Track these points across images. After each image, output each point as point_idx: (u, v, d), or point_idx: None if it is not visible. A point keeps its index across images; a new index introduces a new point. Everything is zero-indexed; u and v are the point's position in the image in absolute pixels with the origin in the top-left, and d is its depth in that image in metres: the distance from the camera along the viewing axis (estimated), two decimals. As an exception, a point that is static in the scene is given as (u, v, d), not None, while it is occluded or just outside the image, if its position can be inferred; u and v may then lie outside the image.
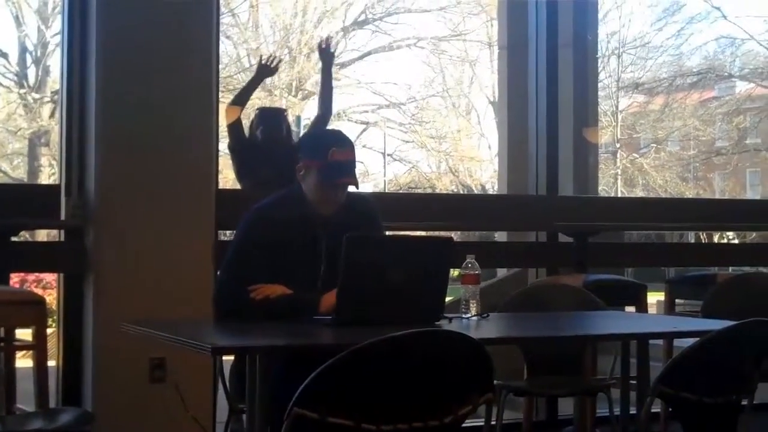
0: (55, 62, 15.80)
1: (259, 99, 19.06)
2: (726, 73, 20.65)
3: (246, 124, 5.40)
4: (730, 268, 7.47)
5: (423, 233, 5.87)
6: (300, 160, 3.54)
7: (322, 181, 3.44)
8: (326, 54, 5.51)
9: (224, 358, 3.84)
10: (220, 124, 5.10)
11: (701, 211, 6.85)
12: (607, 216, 6.21)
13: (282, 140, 5.36)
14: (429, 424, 2.45)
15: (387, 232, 3.90)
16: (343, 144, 3.50)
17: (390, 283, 3.13)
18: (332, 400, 2.37)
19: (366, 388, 2.40)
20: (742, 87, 20.91)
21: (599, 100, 15.36)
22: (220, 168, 5.13)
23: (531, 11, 6.30)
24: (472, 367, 2.53)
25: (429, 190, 20.47)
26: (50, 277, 8.91)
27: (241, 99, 5.38)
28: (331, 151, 3.43)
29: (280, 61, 5.51)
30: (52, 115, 15.39)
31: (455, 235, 9.13)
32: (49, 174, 15.39)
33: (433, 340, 2.50)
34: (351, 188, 3.53)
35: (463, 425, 2.60)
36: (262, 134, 5.36)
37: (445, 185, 20.98)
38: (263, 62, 5.50)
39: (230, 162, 5.48)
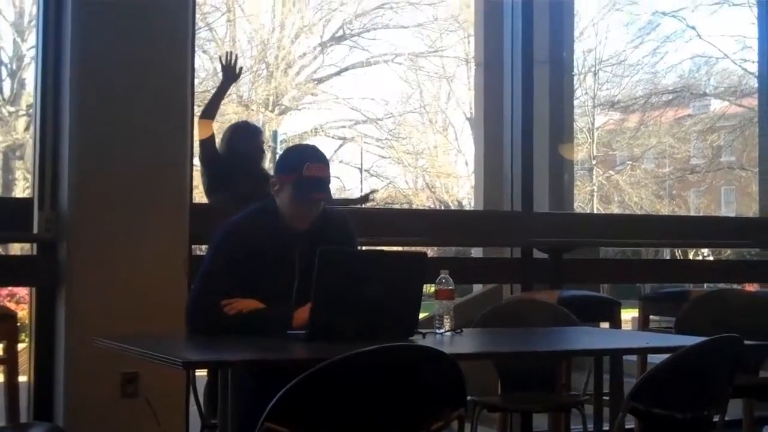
0: (31, 75, 15.72)
1: (236, 114, 19.09)
2: (701, 92, 20.82)
3: (220, 137, 5.39)
4: (705, 285, 7.52)
5: (399, 248, 5.86)
6: (275, 175, 3.54)
7: (296, 196, 3.44)
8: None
9: (198, 373, 3.82)
10: (195, 138, 5.08)
11: (676, 228, 6.89)
12: (582, 232, 6.24)
13: (257, 155, 5.36)
14: (400, 439, 2.44)
15: (362, 247, 3.90)
16: (318, 160, 3.50)
17: (363, 297, 3.12)
18: (303, 415, 2.36)
19: (337, 403, 2.39)
20: (716, 105, 21.09)
21: (575, 117, 15.44)
22: (195, 183, 5.10)
23: (507, 28, 6.33)
24: (445, 382, 2.52)
25: (406, 206, 20.50)
26: (23, 292, 8.84)
27: (209, 111, 5.36)
28: (305, 166, 3.44)
29: (236, 59, 5.47)
30: (27, 129, 15.32)
31: (431, 251, 9.15)
32: (24, 187, 15.31)
33: (405, 355, 2.50)
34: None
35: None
36: (237, 149, 5.36)
37: (422, 201, 21.02)
38: (225, 64, 5.47)
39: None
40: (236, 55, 5.55)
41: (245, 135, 5.44)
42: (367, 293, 3.12)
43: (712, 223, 8.33)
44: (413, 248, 6.03)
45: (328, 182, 3.52)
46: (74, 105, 4.55)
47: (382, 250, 4.94)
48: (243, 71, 5.52)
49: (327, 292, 3.09)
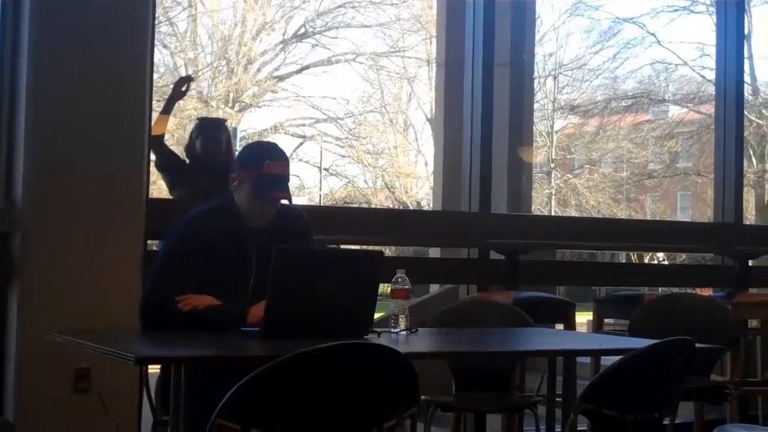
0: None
1: (195, 110, 19.00)
2: (660, 98, 21.03)
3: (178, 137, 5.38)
4: (660, 289, 7.59)
5: (356, 247, 5.87)
6: (234, 171, 3.52)
7: (255, 193, 3.43)
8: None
9: (150, 369, 3.79)
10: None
11: (633, 232, 6.95)
12: (539, 234, 6.27)
13: (220, 151, 5.34)
14: (353, 437, 2.44)
15: (319, 245, 3.89)
16: (278, 157, 3.49)
17: (319, 296, 3.12)
18: (256, 412, 2.35)
19: (290, 400, 2.38)
20: (675, 111, 21.32)
21: (535, 120, 15.53)
22: (152, 178, 5.07)
23: (468, 29, 6.35)
24: (398, 380, 2.52)
25: (365, 206, 20.52)
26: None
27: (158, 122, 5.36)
28: (266, 163, 3.42)
29: (190, 86, 5.54)
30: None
31: (389, 251, 9.16)
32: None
33: (359, 353, 2.50)
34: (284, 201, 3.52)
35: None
36: (201, 145, 5.35)
37: (381, 201, 21.05)
38: (177, 83, 5.55)
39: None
40: (192, 80, 5.58)
41: (208, 131, 5.44)
42: (323, 291, 3.12)
43: (668, 228, 8.42)
44: (371, 247, 6.03)
45: (288, 180, 3.50)
46: (30, 97, 4.50)
47: (338, 248, 4.95)
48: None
49: (282, 289, 3.07)
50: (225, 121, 6.06)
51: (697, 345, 3.05)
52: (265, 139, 18.26)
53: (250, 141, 17.73)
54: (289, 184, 3.50)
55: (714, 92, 7.94)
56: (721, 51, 7.36)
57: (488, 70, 6.22)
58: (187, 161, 5.47)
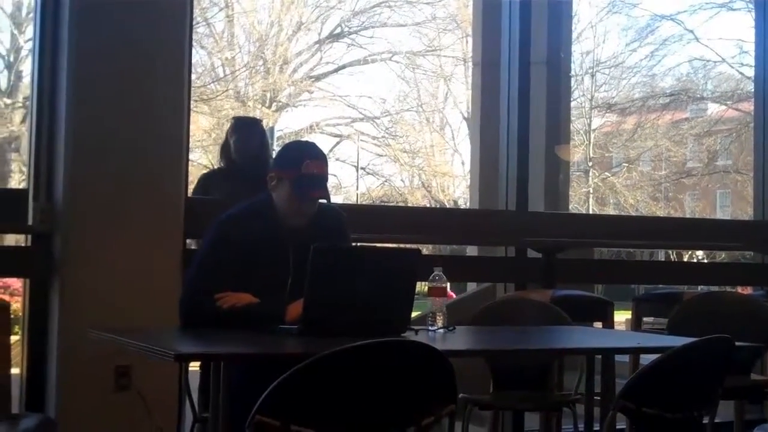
0: (28, 68, 15.72)
1: (232, 109, 19.09)
2: (698, 95, 20.85)
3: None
4: (699, 287, 7.53)
5: (393, 245, 5.88)
6: (272, 170, 3.54)
7: (293, 193, 3.44)
8: None
9: (192, 368, 3.82)
10: (191, 132, 5.08)
11: (671, 230, 6.90)
12: (576, 232, 6.24)
13: (255, 151, 5.36)
14: (391, 434, 2.45)
15: (356, 244, 3.90)
16: (317, 157, 3.50)
17: (356, 293, 3.12)
18: (294, 408, 2.37)
19: (328, 396, 2.39)
20: (713, 109, 21.12)
21: (572, 118, 15.47)
22: (190, 178, 5.12)
23: (505, 27, 6.33)
24: (435, 378, 2.53)
25: (401, 205, 20.51)
26: (17, 284, 8.84)
27: None
28: (304, 163, 3.43)
29: None
30: (23, 121, 15.30)
31: (426, 249, 9.16)
32: (20, 180, 15.29)
33: (397, 351, 2.51)
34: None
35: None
36: (235, 145, 5.37)
37: (418, 200, 21.04)
38: None
39: (200, 170, 5.50)
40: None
41: (242, 131, 5.47)
42: (360, 289, 3.12)
43: (707, 226, 8.35)
44: (408, 245, 6.04)
45: (326, 180, 3.51)
46: (70, 97, 4.56)
47: (376, 247, 4.95)
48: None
49: (320, 287, 3.09)
50: (260, 120, 6.07)
51: (737, 343, 3.02)
52: (302, 139, 18.34)
53: (286, 141, 17.80)
54: (327, 183, 3.51)
55: (753, 89, 7.88)
56: (760, 47, 7.29)
57: (525, 69, 6.21)
58: (222, 164, 5.52)
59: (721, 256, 15.35)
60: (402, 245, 5.51)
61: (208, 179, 5.65)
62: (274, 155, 4.53)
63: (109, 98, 4.60)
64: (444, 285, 3.51)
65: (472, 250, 7.19)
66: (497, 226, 6.08)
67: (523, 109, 6.20)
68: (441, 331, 3.42)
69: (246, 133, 5.44)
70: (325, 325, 3.07)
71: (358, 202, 19.28)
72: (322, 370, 2.36)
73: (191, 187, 5.47)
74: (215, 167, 5.55)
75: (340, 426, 2.40)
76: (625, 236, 6.43)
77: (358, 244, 4.02)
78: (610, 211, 20.24)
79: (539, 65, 7.03)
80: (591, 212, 19.64)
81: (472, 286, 7.50)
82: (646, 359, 5.61)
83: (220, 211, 3.67)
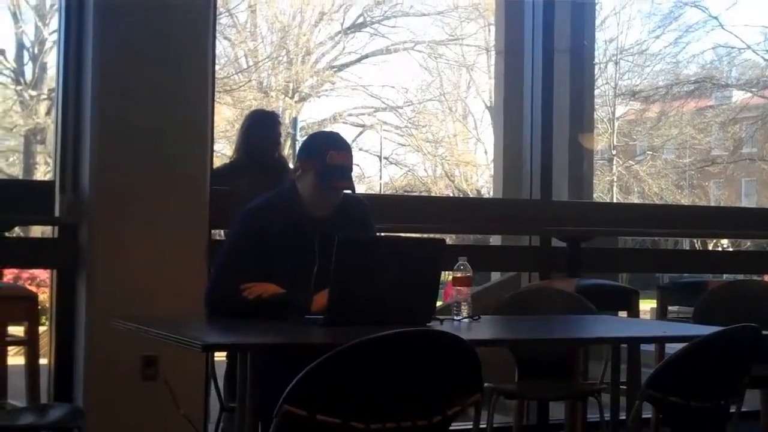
0: (53, 60, 15.79)
1: (255, 100, 19.11)
2: (723, 83, 20.69)
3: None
4: (724, 276, 7.49)
5: (417, 235, 5.88)
6: (297, 160, 3.55)
7: (318, 183, 3.45)
8: None
9: (217, 358, 3.85)
10: (216, 123, 5.09)
11: (696, 218, 6.86)
12: (600, 221, 6.23)
13: (273, 143, 5.33)
14: (417, 423, 2.45)
15: (380, 234, 3.91)
16: (342, 147, 3.51)
17: (381, 284, 3.13)
18: (321, 398, 2.38)
19: (355, 386, 2.40)
20: (738, 96, 20.97)
21: (596, 106, 15.39)
22: (214, 167, 5.12)
23: (528, 16, 6.31)
24: (461, 367, 2.53)
25: (424, 194, 20.49)
26: (44, 275, 8.91)
27: None
28: (329, 154, 3.44)
29: None
30: (48, 113, 15.39)
31: (449, 239, 9.16)
32: (45, 171, 15.38)
33: (422, 340, 2.51)
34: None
35: (453, 428, 2.61)
36: (251, 138, 5.36)
37: (441, 189, 21.00)
38: None
39: (223, 161, 5.50)
40: None
41: (262, 124, 5.44)
42: (385, 279, 3.13)
43: (734, 214, 8.29)
44: (431, 236, 6.04)
45: (351, 170, 3.52)
46: (96, 89, 4.58)
47: (401, 237, 4.96)
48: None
49: (345, 278, 3.10)
50: (277, 114, 6.02)
51: (764, 332, 3.01)
52: (325, 129, 18.35)
53: (310, 131, 17.82)
54: (352, 173, 3.52)
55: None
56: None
57: (548, 57, 6.19)
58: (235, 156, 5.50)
59: (747, 244, 15.28)
60: (426, 235, 5.52)
61: (215, 177, 5.61)
62: (297, 146, 4.53)
63: (134, 90, 4.62)
64: (469, 275, 3.51)
65: (495, 240, 7.18)
66: (522, 216, 6.07)
67: (547, 98, 6.18)
68: (466, 320, 3.42)
69: (262, 126, 5.42)
70: (351, 315, 3.08)
71: (382, 192, 19.27)
72: (349, 361, 2.37)
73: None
74: (225, 162, 5.51)
75: (366, 416, 2.40)
76: (650, 225, 6.40)
77: (382, 234, 4.02)
78: (635, 199, 20.14)
79: (563, 53, 6.98)
80: (615, 201, 19.53)
81: (495, 276, 7.49)
82: (672, 348, 5.62)
83: (245, 202, 3.69)
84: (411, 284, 3.19)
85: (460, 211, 6.15)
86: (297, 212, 3.51)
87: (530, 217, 6.05)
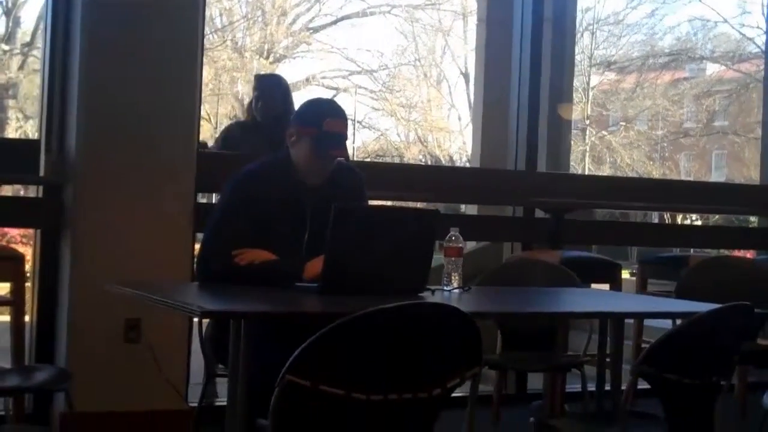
0: (26, 14, 15.59)
1: (230, 60, 18.98)
2: (698, 55, 20.78)
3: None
4: (692, 250, 7.55)
5: (412, 204, 5.89)
6: (292, 126, 3.51)
7: (313, 150, 3.43)
8: None
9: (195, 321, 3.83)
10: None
11: (680, 193, 6.89)
12: (582, 193, 6.24)
13: (277, 110, 5.33)
14: (418, 395, 2.45)
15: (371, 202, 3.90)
16: (338, 115, 3.49)
17: (376, 253, 3.12)
18: (324, 368, 2.37)
19: (358, 358, 2.39)
20: (713, 69, 21.07)
21: (572, 76, 15.36)
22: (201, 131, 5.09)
23: (518, -15, 6.30)
24: (462, 340, 2.53)
25: (397, 159, 20.50)
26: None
27: None
28: (325, 121, 3.42)
29: None
30: (20, 68, 15.20)
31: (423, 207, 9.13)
32: (16, 127, 15.20)
33: (425, 313, 2.50)
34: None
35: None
36: (257, 103, 5.40)
37: (414, 155, 21.01)
38: None
39: (210, 126, 5.50)
40: None
41: (263, 89, 5.48)
42: (380, 249, 3.13)
43: (716, 189, 8.34)
44: (418, 204, 6.05)
45: (346, 138, 3.49)
46: (83, 47, 4.52)
47: (395, 207, 4.95)
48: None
49: (340, 246, 3.08)
50: (282, 78, 6.02)
51: (756, 310, 3.04)
52: (298, 91, 18.24)
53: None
54: (347, 142, 3.49)
55: (755, 50, 7.85)
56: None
57: (537, 28, 6.18)
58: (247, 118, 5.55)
59: (715, 218, 15.41)
60: (419, 204, 5.51)
61: (229, 131, 5.65)
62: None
63: (122, 49, 4.56)
64: (460, 245, 3.52)
65: (471, 210, 7.19)
66: (507, 186, 6.08)
67: (535, 69, 6.18)
68: (457, 291, 3.42)
69: (268, 92, 5.44)
70: (345, 283, 3.07)
71: (354, 156, 19.24)
72: (351, 332, 2.36)
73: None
74: (240, 119, 5.57)
75: (367, 387, 2.40)
76: (634, 198, 6.43)
77: (377, 202, 4.01)
78: (607, 169, 20.24)
79: (545, 22, 6.97)
80: (587, 171, 19.62)
81: (471, 243, 7.50)
82: (650, 322, 5.67)
83: (232, 165, 3.66)
84: (405, 254, 3.19)
85: (445, 180, 6.13)
86: (289, 179, 3.49)
87: (516, 188, 6.05)
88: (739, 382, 5.29)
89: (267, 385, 2.42)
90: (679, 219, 16.09)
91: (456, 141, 21.27)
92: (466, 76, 20.44)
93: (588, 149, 20.42)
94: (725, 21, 19.71)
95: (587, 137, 20.52)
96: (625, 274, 7.65)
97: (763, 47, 7.91)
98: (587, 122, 20.44)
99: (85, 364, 4.40)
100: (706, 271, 4.92)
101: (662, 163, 21.50)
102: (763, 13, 15.81)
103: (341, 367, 2.39)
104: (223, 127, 6.51)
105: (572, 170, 15.92)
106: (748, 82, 18.52)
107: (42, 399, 4.50)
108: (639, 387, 2.94)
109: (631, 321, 5.53)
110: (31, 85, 14.21)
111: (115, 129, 4.54)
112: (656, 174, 20.54)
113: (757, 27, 17.76)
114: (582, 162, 19.94)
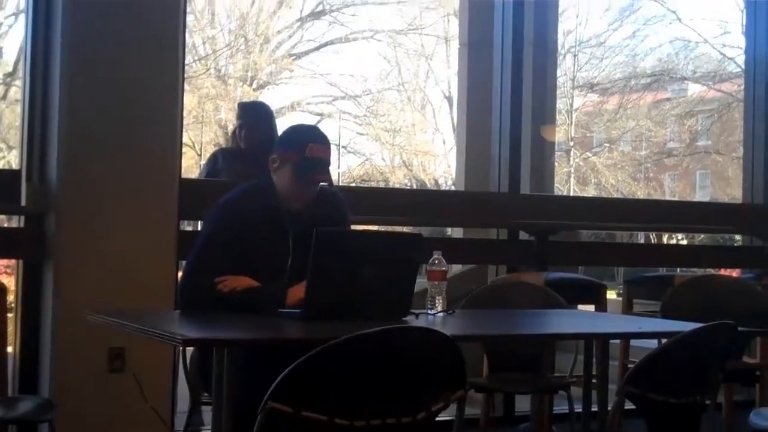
0: (8, 44, 15.58)
1: (213, 87, 18.99)
2: (680, 76, 20.89)
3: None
4: (678, 270, 7.57)
5: (395, 230, 5.88)
6: (275, 152, 3.51)
7: (296, 175, 3.43)
8: None
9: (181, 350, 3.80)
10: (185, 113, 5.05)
11: (665, 213, 6.91)
12: (565, 215, 6.26)
13: (263, 136, 5.29)
14: (402, 420, 2.44)
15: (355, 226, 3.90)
16: (321, 140, 3.49)
17: (359, 278, 3.12)
18: (307, 394, 2.36)
19: (340, 383, 2.39)
20: (694, 89, 21.18)
21: (555, 98, 15.41)
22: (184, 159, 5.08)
23: (498, 9, 6.32)
24: (445, 363, 2.53)
25: (382, 184, 20.50)
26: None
27: None
28: (308, 146, 3.42)
29: None
30: (3, 98, 15.17)
31: (408, 230, 9.12)
32: (-1, 157, 15.17)
33: (409, 337, 2.50)
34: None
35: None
36: (241, 131, 5.39)
37: (399, 179, 21.01)
38: None
39: (193, 153, 5.49)
40: None
41: (247, 117, 5.47)
42: (363, 273, 3.12)
43: (699, 209, 8.37)
44: (401, 227, 6.05)
45: (329, 164, 3.50)
46: (63, 79, 4.51)
47: (378, 231, 4.94)
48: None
49: (323, 271, 3.08)
50: (266, 105, 6.01)
51: (741, 328, 3.04)
52: (282, 117, 18.24)
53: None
54: (330, 167, 3.49)
55: (735, 70, 7.91)
56: (750, 26, 7.30)
57: (518, 51, 6.21)
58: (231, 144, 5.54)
59: (700, 237, 15.45)
60: (402, 229, 5.51)
61: (214, 158, 5.62)
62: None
63: (103, 79, 4.56)
64: (444, 268, 3.52)
65: (456, 233, 7.19)
66: (490, 208, 6.08)
67: (516, 92, 6.20)
68: (441, 314, 3.41)
69: (252, 119, 5.42)
70: (328, 308, 3.06)
71: (340, 182, 19.24)
72: (333, 357, 2.35)
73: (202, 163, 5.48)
74: (224, 146, 5.55)
75: (351, 413, 2.39)
76: (614, 218, 6.45)
77: (360, 227, 4.00)
78: (591, 191, 20.30)
79: (527, 46, 7.00)
80: (572, 192, 19.67)
81: (457, 267, 7.50)
82: (637, 342, 5.67)
83: (215, 193, 3.65)
84: (388, 278, 3.19)
85: (429, 203, 6.14)
86: (272, 205, 3.48)
87: (499, 211, 6.05)
88: (726, 400, 5.28)
89: (252, 412, 2.41)
90: (664, 239, 16.13)
91: (441, 164, 21.30)
92: (449, 99, 20.48)
93: (573, 170, 20.48)
94: (706, 41, 19.85)
95: (572, 159, 20.58)
96: (612, 295, 7.65)
97: (744, 66, 7.94)
98: (571, 144, 20.51)
99: (69, 395, 4.37)
100: (691, 290, 4.93)
101: (647, 184, 21.57)
102: (742, 33, 15.97)
103: (324, 392, 2.38)
104: (207, 154, 6.51)
105: (558, 192, 15.97)
106: (730, 101, 18.61)
107: (26, 430, 4.46)
108: (626, 407, 2.94)
109: (617, 341, 5.52)
110: (14, 115, 14.19)
111: (97, 158, 4.53)
112: (641, 194, 20.60)
113: (738, 47, 17.88)
114: (567, 183, 19.99)
